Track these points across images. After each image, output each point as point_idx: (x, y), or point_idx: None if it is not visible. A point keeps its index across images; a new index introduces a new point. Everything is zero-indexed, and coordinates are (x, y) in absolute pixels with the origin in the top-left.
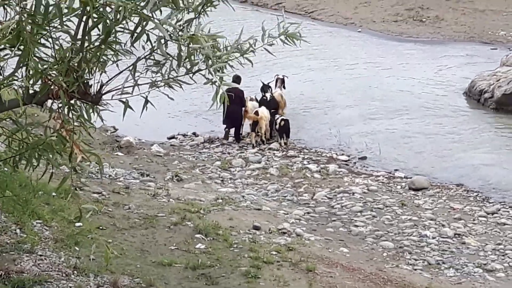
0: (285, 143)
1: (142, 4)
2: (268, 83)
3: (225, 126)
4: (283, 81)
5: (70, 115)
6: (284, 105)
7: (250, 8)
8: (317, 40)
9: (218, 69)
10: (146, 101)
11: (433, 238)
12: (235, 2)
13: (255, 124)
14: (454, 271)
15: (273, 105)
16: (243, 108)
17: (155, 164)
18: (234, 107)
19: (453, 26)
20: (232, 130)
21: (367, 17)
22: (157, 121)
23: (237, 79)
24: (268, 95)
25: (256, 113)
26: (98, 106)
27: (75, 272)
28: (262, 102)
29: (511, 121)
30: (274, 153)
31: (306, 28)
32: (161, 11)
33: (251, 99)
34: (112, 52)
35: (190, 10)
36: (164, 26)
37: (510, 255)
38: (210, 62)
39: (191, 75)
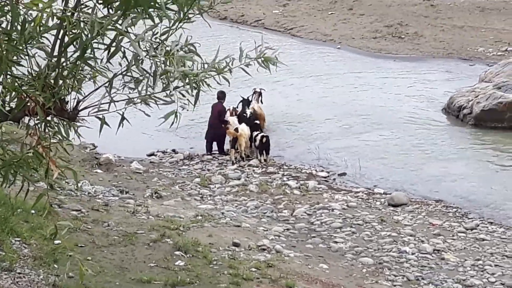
0: (265, 160)
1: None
2: (248, 97)
3: (206, 140)
4: (260, 94)
5: (47, 131)
6: (263, 119)
7: (230, 25)
8: (296, 57)
9: (195, 86)
10: (123, 118)
11: (413, 254)
12: (215, 19)
13: (234, 141)
14: (434, 287)
15: (254, 120)
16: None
17: (134, 181)
18: (216, 122)
19: (432, 43)
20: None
21: (346, 34)
22: (137, 138)
23: (221, 94)
24: (248, 111)
25: (236, 129)
26: (75, 122)
27: None
28: (242, 119)
29: (490, 137)
30: (253, 170)
31: (285, 45)
32: (144, 22)
33: (231, 114)
34: (89, 69)
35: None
36: (141, 41)
37: (489, 271)
38: (187, 80)
39: (167, 92)
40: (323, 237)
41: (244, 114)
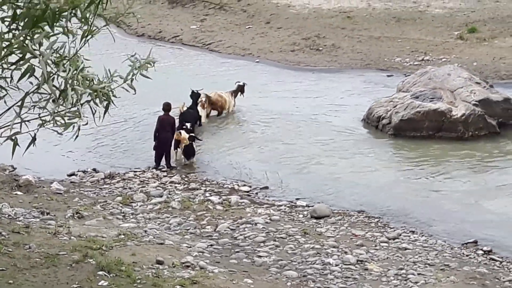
0: (192, 162)
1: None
2: (198, 90)
3: (155, 151)
4: (240, 87)
5: None
6: (225, 104)
7: (148, 42)
8: (214, 71)
9: (105, 98)
10: (33, 139)
11: (336, 265)
12: (133, 36)
13: (177, 143)
14: None
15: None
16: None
17: (55, 202)
18: (165, 134)
19: (349, 54)
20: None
21: (264, 48)
22: (57, 159)
23: (167, 107)
24: (188, 124)
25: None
26: None
27: None
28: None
29: (409, 146)
30: (175, 187)
31: (204, 60)
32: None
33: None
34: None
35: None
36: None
37: (412, 280)
38: (95, 94)
39: (77, 107)
40: (247, 252)
41: (184, 127)
